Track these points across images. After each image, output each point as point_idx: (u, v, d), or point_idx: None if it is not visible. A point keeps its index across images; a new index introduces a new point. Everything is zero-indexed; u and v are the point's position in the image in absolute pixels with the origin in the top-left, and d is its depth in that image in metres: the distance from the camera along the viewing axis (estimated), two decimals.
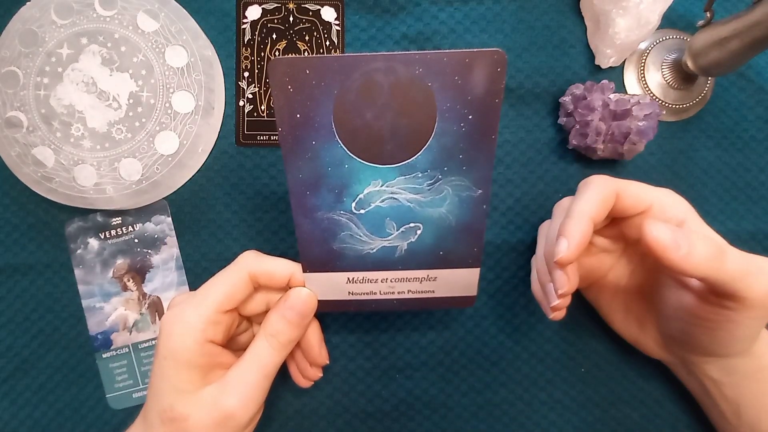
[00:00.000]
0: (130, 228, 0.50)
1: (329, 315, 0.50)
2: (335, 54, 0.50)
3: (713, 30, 0.44)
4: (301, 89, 0.34)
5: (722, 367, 0.42)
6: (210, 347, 0.39)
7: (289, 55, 0.49)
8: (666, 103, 0.51)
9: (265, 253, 0.43)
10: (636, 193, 0.40)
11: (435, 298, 0.42)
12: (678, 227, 0.36)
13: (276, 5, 0.50)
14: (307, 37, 0.50)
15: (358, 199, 0.38)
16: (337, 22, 0.50)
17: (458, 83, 0.33)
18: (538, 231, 0.47)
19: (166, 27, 0.46)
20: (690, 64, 0.47)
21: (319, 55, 0.36)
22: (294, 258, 0.41)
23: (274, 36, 0.50)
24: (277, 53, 0.50)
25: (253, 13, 0.50)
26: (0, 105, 0.44)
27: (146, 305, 0.50)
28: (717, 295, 0.37)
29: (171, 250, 0.50)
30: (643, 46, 0.51)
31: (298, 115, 0.34)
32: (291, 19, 0.50)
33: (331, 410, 0.51)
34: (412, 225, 0.39)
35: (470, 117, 0.34)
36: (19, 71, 0.44)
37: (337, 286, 0.42)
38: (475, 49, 0.32)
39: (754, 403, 0.42)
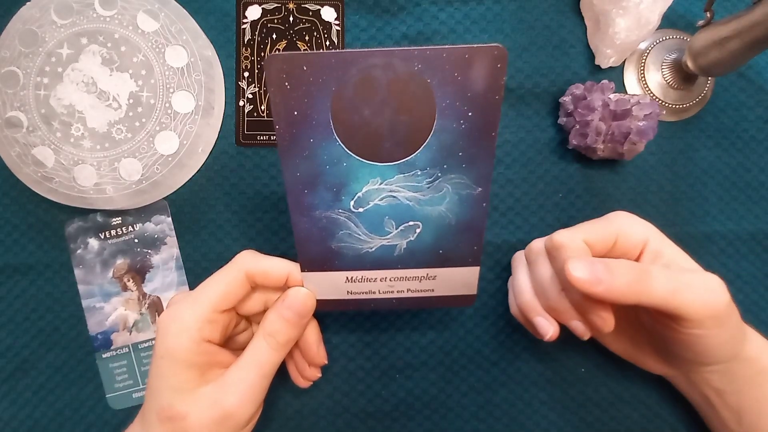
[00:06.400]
0: (130, 228, 0.50)
1: (329, 315, 0.50)
2: (332, 50, 0.50)
3: (713, 30, 0.44)
4: (298, 86, 0.33)
5: (723, 375, 0.41)
6: (207, 346, 0.39)
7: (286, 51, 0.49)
8: (666, 103, 0.51)
9: (265, 253, 0.42)
10: (596, 232, 0.41)
11: (434, 297, 0.42)
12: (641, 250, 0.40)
13: (276, 5, 0.50)
14: (307, 37, 0.50)
15: (356, 197, 0.38)
16: (337, 22, 0.50)
17: (458, 79, 0.33)
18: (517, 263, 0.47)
19: (166, 27, 0.46)
20: (690, 64, 0.47)
21: (316, 51, 0.35)
22: (294, 258, 0.41)
23: (274, 36, 0.50)
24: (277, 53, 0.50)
25: (253, 13, 0.50)
26: (0, 105, 0.44)
27: (146, 305, 0.50)
28: (661, 316, 0.37)
29: (171, 250, 0.50)
30: (643, 46, 0.51)
31: (295, 113, 0.34)
32: (291, 19, 0.50)
33: (331, 410, 0.50)
34: (411, 223, 0.39)
35: (470, 114, 0.34)
36: (19, 71, 0.44)
37: (335, 285, 0.41)
38: (475, 45, 0.32)
39: (755, 408, 0.42)
